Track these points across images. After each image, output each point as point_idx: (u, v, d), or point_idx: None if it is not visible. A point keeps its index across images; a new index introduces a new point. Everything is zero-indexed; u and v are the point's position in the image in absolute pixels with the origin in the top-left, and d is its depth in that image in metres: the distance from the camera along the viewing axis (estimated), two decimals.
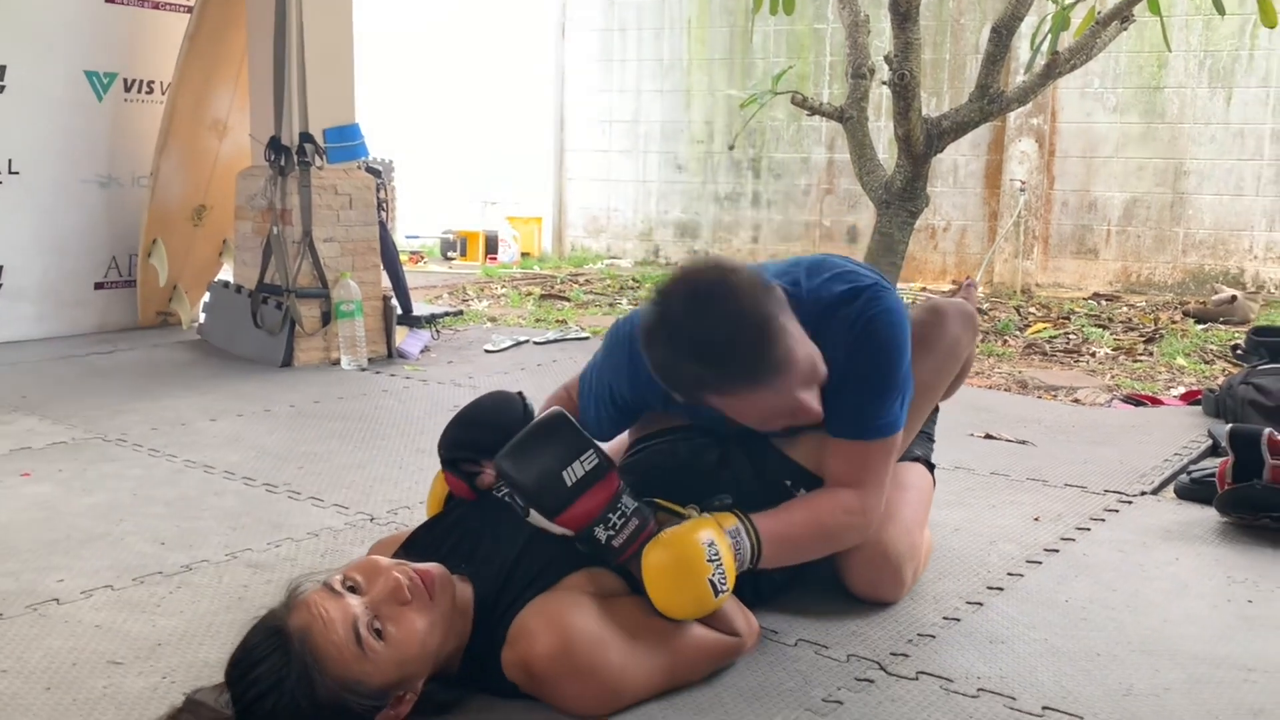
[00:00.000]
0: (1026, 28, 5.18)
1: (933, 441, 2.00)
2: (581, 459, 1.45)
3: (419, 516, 2.10)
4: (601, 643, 1.38)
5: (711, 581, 1.44)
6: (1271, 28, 4.11)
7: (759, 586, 1.69)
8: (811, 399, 1.53)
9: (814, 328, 1.58)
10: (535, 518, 1.48)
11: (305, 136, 3.81)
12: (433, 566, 1.39)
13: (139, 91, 4.35)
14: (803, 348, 1.51)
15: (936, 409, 2.02)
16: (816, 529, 1.62)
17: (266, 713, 1.25)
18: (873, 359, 1.62)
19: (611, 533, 1.45)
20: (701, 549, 1.44)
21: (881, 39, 5.48)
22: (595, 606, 1.42)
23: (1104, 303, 5.95)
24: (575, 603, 1.41)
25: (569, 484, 1.43)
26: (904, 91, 4.36)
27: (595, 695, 1.39)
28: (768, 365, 1.46)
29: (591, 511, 1.44)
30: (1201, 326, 5.12)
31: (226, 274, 4.44)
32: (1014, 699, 1.48)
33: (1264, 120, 5.94)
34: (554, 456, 1.45)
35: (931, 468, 1.95)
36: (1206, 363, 4.30)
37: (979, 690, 1.51)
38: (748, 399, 1.50)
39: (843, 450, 1.65)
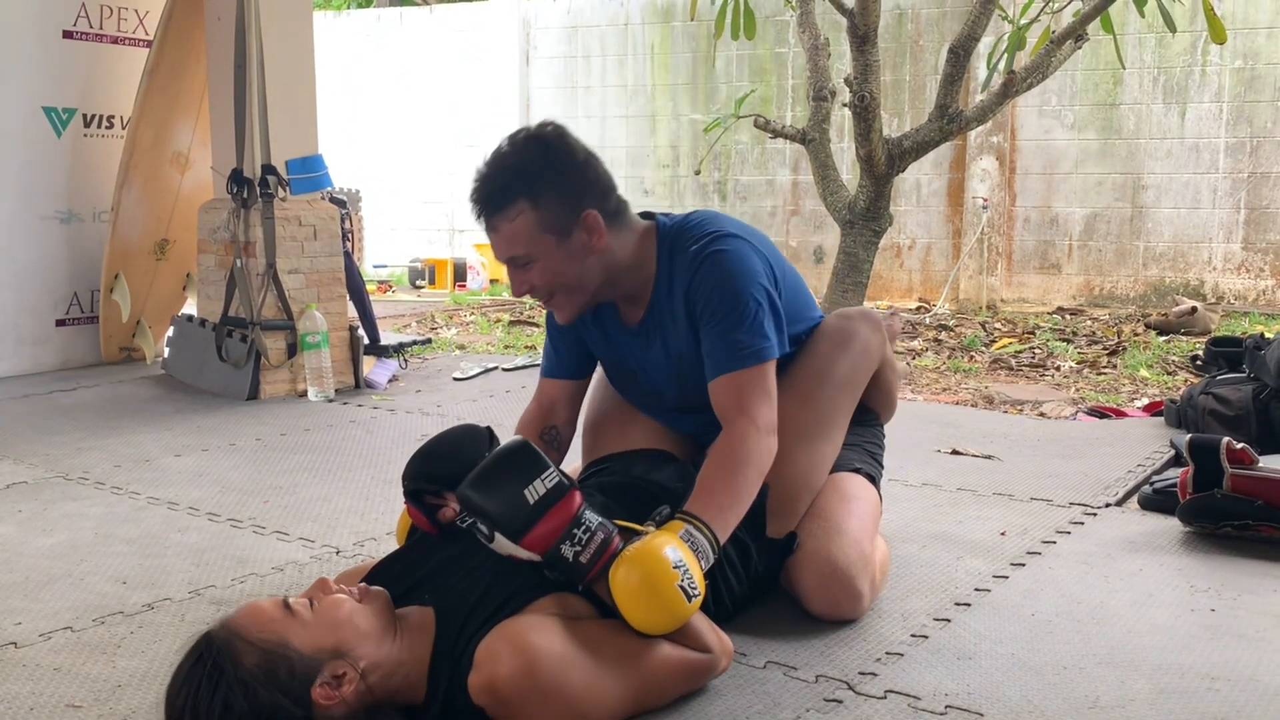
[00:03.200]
0: (983, 48, 5.26)
1: (879, 462, 2.02)
2: (542, 478, 1.46)
3: (386, 548, 2.08)
4: (567, 663, 1.37)
5: (682, 588, 1.44)
6: (1221, 44, 4.21)
7: (721, 601, 1.69)
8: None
9: (668, 261, 1.79)
10: (500, 544, 1.47)
11: (268, 168, 3.80)
12: (361, 585, 1.43)
13: (99, 126, 4.33)
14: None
15: (881, 428, 2.05)
16: (739, 477, 1.64)
17: (202, 712, 1.25)
18: (719, 290, 1.73)
19: (578, 548, 1.45)
20: (666, 558, 1.45)
21: (842, 61, 5.54)
22: (561, 628, 1.41)
23: (1068, 317, 6.02)
24: (540, 625, 1.40)
25: (531, 502, 1.44)
26: (865, 113, 4.41)
27: (562, 717, 1.37)
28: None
29: (556, 530, 1.44)
30: (1163, 338, 5.19)
31: (190, 308, 4.40)
32: (982, 715, 1.48)
33: (1218, 134, 6.06)
34: (514, 479, 1.46)
35: (875, 482, 1.96)
36: (1169, 374, 4.36)
37: (947, 707, 1.51)
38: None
39: (720, 386, 1.74)
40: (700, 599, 1.47)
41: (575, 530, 1.45)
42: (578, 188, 1.72)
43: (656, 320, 1.83)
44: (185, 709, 1.27)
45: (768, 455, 1.69)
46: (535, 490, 1.45)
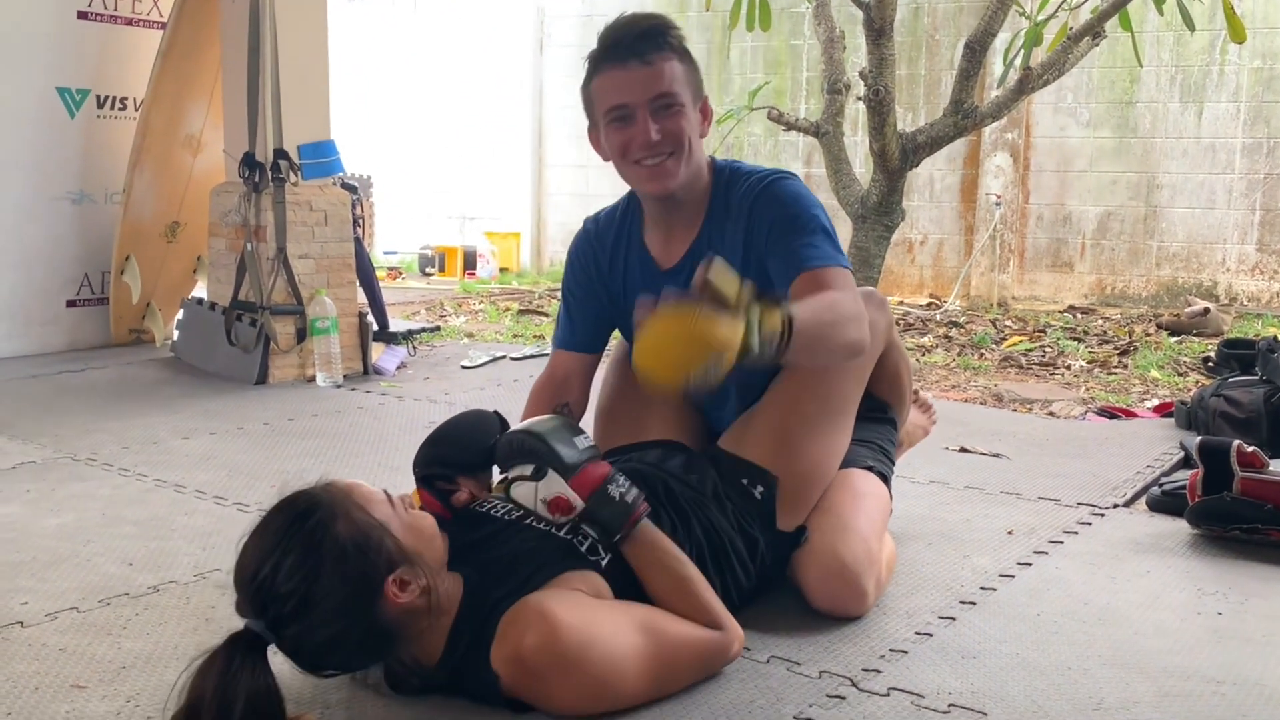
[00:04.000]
0: (1000, 43, 5.22)
1: (891, 460, 2.00)
2: (583, 436, 1.54)
3: None
4: (589, 636, 1.38)
5: (707, 367, 1.37)
6: (1240, 43, 4.17)
7: (729, 591, 1.68)
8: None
9: (724, 192, 1.79)
10: (547, 485, 1.49)
11: (280, 153, 3.80)
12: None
13: (112, 108, 4.33)
14: None
15: (894, 425, 2.03)
16: (827, 309, 1.60)
17: (270, 570, 1.30)
18: (782, 208, 1.75)
19: (623, 489, 1.50)
20: (711, 344, 1.37)
21: (857, 54, 5.51)
22: (584, 602, 1.43)
23: (1079, 316, 6.00)
24: (565, 598, 1.41)
25: (580, 448, 1.51)
26: (879, 107, 4.39)
27: (584, 689, 1.38)
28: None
29: (602, 475, 1.50)
30: (1175, 339, 5.16)
31: (200, 291, 4.41)
32: (985, 714, 1.48)
33: (1234, 134, 6.02)
34: (561, 432, 1.52)
35: (887, 480, 1.94)
36: (1180, 375, 4.33)
37: (950, 706, 1.50)
38: None
39: (801, 282, 1.70)
40: (708, 368, 1.38)
41: (618, 477, 1.52)
42: (699, 74, 1.79)
43: (699, 253, 1.78)
44: (268, 559, 1.31)
45: (855, 306, 1.67)
46: (582, 440, 1.52)
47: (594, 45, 1.81)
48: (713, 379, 1.39)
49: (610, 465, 1.55)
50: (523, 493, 1.53)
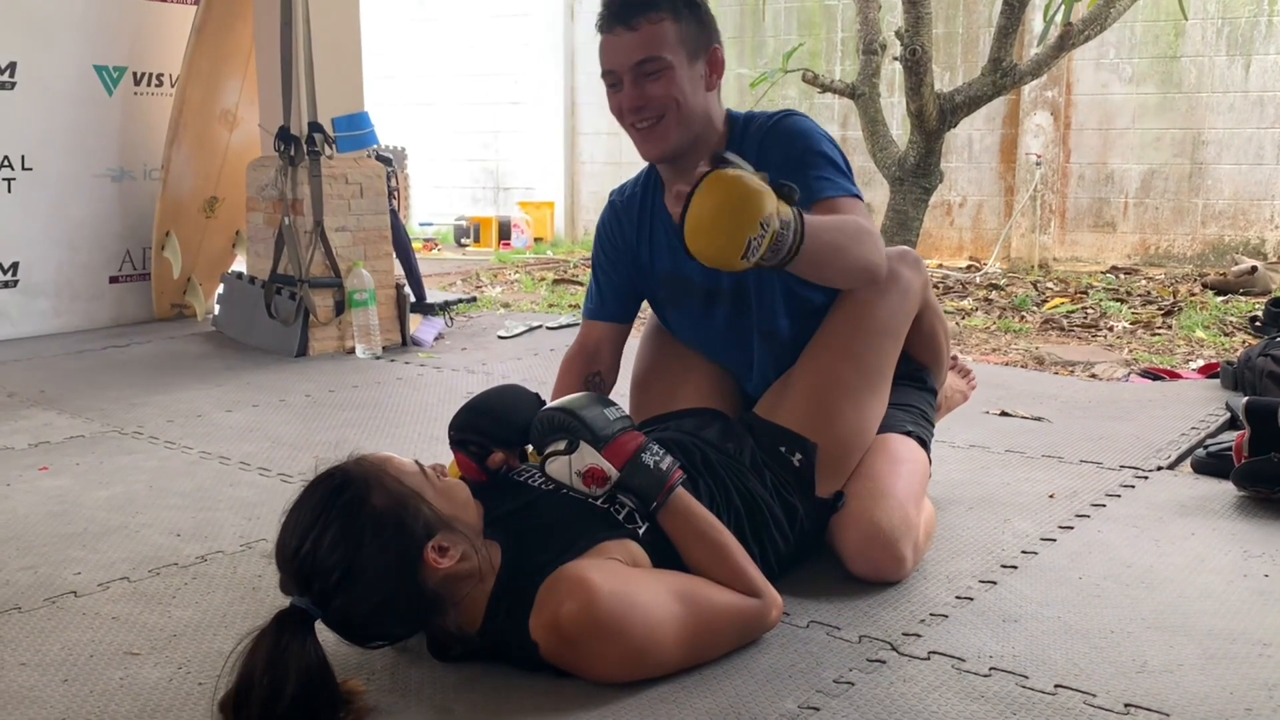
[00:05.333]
0: None
1: (929, 422, 1.98)
2: (615, 408, 1.56)
3: None
4: (627, 604, 1.39)
5: (749, 243, 1.38)
6: None
7: (767, 558, 1.68)
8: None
9: (738, 142, 1.79)
10: (581, 457, 1.50)
11: (314, 126, 3.81)
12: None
13: (148, 84, 4.37)
14: None
15: (933, 390, 2.01)
16: (848, 229, 1.62)
17: (311, 546, 1.32)
18: (790, 143, 1.76)
19: (657, 458, 1.52)
20: (760, 207, 1.38)
21: (893, 14, 5.42)
22: (622, 570, 1.44)
23: (1122, 276, 5.90)
24: (602, 567, 1.42)
25: (613, 419, 1.52)
26: (916, 67, 4.33)
27: (623, 656, 1.39)
28: None
29: (635, 445, 1.52)
30: (1221, 298, 5.07)
31: (240, 265, 4.46)
32: (1026, 677, 1.47)
33: None
34: (592, 406, 1.54)
35: (925, 445, 1.93)
36: (1226, 335, 4.26)
37: (991, 669, 1.50)
38: None
39: (819, 208, 1.68)
40: (750, 265, 1.41)
41: (651, 446, 1.53)
42: (710, 21, 1.78)
43: None
44: (308, 535, 1.34)
45: (872, 231, 1.68)
46: (614, 411, 1.54)
47: None
48: (764, 249, 1.40)
49: (644, 435, 1.56)
50: (557, 468, 1.53)
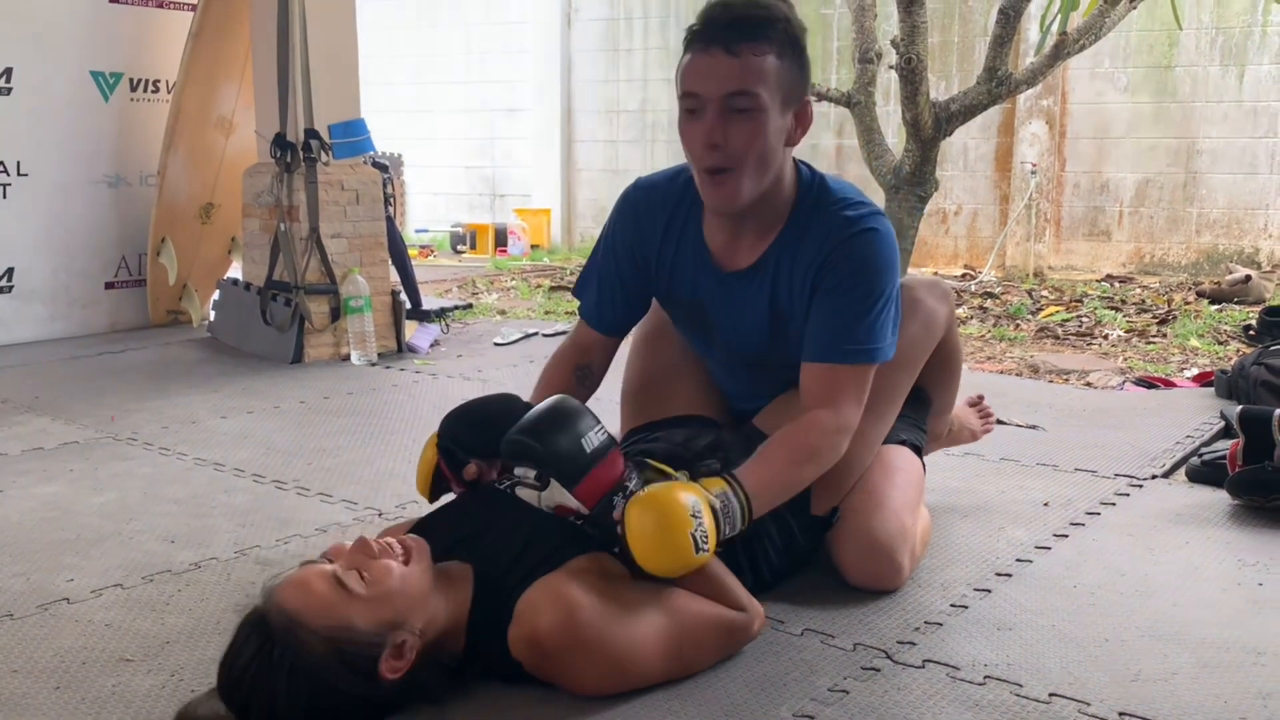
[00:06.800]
0: (1035, 8, 5.14)
1: (922, 430, 1.98)
2: (595, 429, 1.46)
3: (426, 511, 2.10)
4: (606, 616, 1.38)
5: (693, 537, 1.41)
6: None
7: (758, 573, 1.68)
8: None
9: (808, 211, 1.66)
10: (550, 493, 1.47)
11: (311, 133, 3.81)
12: (402, 537, 1.42)
13: (145, 90, 4.36)
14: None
15: (928, 402, 2.00)
16: (797, 462, 1.61)
17: (262, 705, 1.26)
18: (856, 272, 1.63)
19: (628, 499, 1.45)
20: (682, 504, 1.42)
21: (889, 23, 5.44)
22: (600, 583, 1.42)
23: (1117, 285, 5.91)
24: (580, 579, 1.41)
25: (587, 451, 1.44)
26: (911, 76, 4.33)
27: (603, 669, 1.39)
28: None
29: (610, 481, 1.45)
30: (1215, 307, 5.08)
31: (236, 271, 4.45)
32: (1020, 686, 1.47)
33: (1276, 97, 5.88)
34: (568, 427, 1.45)
35: (920, 453, 1.93)
36: (1220, 343, 4.27)
37: (986, 678, 1.50)
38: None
39: (814, 372, 1.66)
40: (709, 554, 1.44)
41: (627, 484, 1.46)
42: (808, 71, 1.62)
43: (770, 269, 1.69)
44: (254, 696, 1.27)
45: (836, 455, 1.65)
46: (590, 439, 1.45)
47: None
48: (712, 532, 1.43)
49: (623, 463, 1.48)
50: (528, 496, 1.51)
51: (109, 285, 4.40)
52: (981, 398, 2.31)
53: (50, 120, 4.12)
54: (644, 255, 1.81)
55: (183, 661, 1.59)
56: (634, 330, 1.98)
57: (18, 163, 4.07)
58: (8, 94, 4.00)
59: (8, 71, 3.99)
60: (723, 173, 1.59)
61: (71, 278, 4.28)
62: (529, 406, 1.57)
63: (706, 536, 1.43)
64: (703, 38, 1.57)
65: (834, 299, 1.64)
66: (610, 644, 1.37)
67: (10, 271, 4.12)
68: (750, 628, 1.54)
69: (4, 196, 4.05)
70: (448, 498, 1.72)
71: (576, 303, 1.94)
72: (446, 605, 1.40)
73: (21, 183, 4.09)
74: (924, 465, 1.95)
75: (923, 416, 1.99)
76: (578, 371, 1.86)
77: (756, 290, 1.72)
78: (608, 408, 1.98)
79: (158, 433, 2.89)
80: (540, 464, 1.45)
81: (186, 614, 1.75)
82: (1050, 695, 1.45)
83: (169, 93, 4.34)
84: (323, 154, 3.84)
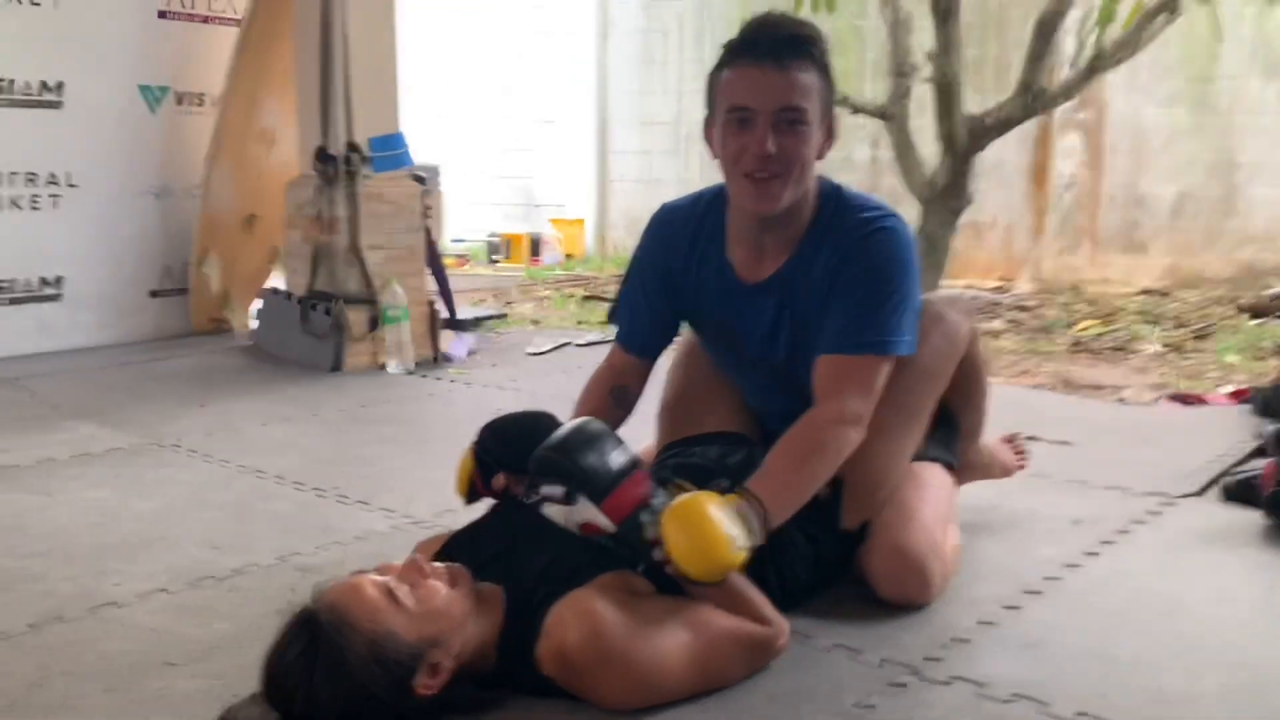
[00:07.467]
0: (1072, 22, 5.11)
1: (953, 450, 1.99)
2: (620, 449, 1.51)
3: (463, 519, 2.14)
4: (633, 632, 1.41)
5: (729, 535, 1.45)
6: None
7: (786, 587, 1.70)
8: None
9: (827, 219, 1.73)
10: (577, 510, 1.50)
11: (351, 146, 3.88)
12: (448, 564, 1.47)
13: (190, 104, 4.46)
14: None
15: (956, 424, 2.01)
16: (803, 459, 1.63)
17: (304, 699, 1.31)
18: (870, 267, 1.69)
19: (655, 517, 1.48)
20: (712, 508, 1.46)
21: (924, 35, 5.44)
22: (626, 600, 1.45)
23: (1154, 299, 5.86)
24: (607, 596, 1.44)
25: (613, 469, 1.48)
26: (946, 89, 4.34)
27: (631, 684, 1.41)
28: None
29: (636, 498, 1.48)
30: (1255, 322, 5.02)
31: (277, 281, 4.53)
32: (1047, 704, 1.48)
33: None
34: (595, 446, 1.49)
35: (952, 469, 1.94)
36: (1259, 360, 4.22)
37: (1012, 695, 1.51)
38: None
39: (824, 364, 1.69)
40: (745, 554, 1.47)
41: (654, 502, 1.49)
42: (834, 91, 1.72)
43: (789, 278, 1.75)
44: (298, 690, 1.32)
45: (845, 446, 1.65)
46: (615, 458, 1.49)
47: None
48: (740, 533, 1.47)
49: (648, 485, 1.51)
50: (554, 513, 1.54)
51: (154, 293, 4.49)
52: (1017, 434, 2.32)
53: (100, 133, 4.22)
54: (671, 276, 1.86)
55: (226, 666, 1.63)
56: (674, 346, 2.02)
57: (68, 174, 4.18)
58: (59, 107, 4.11)
59: (59, 85, 4.10)
60: (767, 178, 1.67)
61: (119, 286, 4.38)
62: (560, 425, 1.61)
63: (738, 537, 1.47)
64: (752, 52, 1.65)
65: (848, 294, 1.69)
66: (636, 659, 1.40)
67: (60, 280, 4.23)
68: (775, 643, 1.56)
69: (55, 207, 4.16)
70: (483, 504, 1.76)
71: (608, 310, 1.99)
72: (481, 628, 1.45)
73: (72, 194, 4.19)
74: (956, 483, 1.96)
75: (953, 437, 2.00)
76: (615, 393, 1.90)
77: (777, 300, 1.78)
78: (644, 421, 2.02)
79: (201, 439, 2.95)
80: (568, 479, 1.49)
81: (229, 619, 1.80)
82: (1077, 714, 1.46)
83: (214, 106, 4.43)
84: (363, 167, 3.91)
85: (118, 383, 3.72)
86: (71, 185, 4.19)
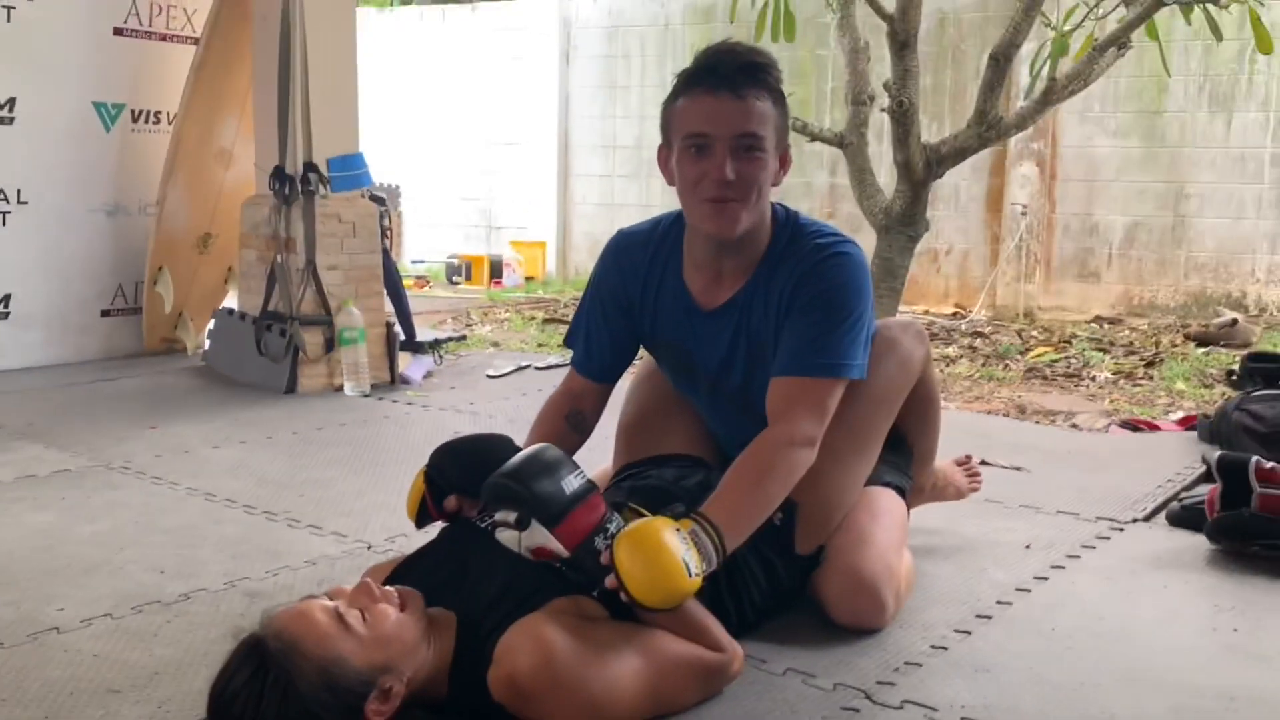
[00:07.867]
0: (1026, 54, 5.22)
1: (908, 474, 2.01)
2: (574, 474, 1.50)
3: (416, 544, 2.12)
4: (584, 658, 1.40)
5: (683, 561, 1.45)
6: (1268, 54, 4.14)
7: (741, 611, 1.71)
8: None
9: (783, 245, 1.76)
10: (530, 535, 1.50)
11: (309, 166, 3.86)
12: (399, 588, 1.45)
13: (146, 122, 4.41)
14: None
15: (910, 449, 2.03)
16: (755, 483, 1.63)
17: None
18: (824, 291, 1.71)
19: (609, 542, 1.47)
20: (666, 535, 1.46)
21: (882, 65, 5.52)
22: (578, 625, 1.44)
23: (1106, 326, 5.97)
24: (558, 621, 1.43)
25: (567, 493, 1.47)
26: (903, 118, 4.40)
27: (582, 711, 1.40)
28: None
29: (588, 525, 1.47)
30: (1202, 350, 5.13)
31: (231, 301, 4.48)
32: None
33: (1263, 144, 5.97)
34: (549, 471, 1.48)
35: (904, 494, 1.96)
36: (1206, 387, 4.31)
37: (963, 719, 1.52)
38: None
39: (777, 387, 1.70)
40: (699, 580, 1.47)
41: (608, 526, 1.48)
42: (788, 120, 1.76)
43: (745, 302, 1.78)
44: (245, 717, 1.29)
45: (797, 467, 1.66)
46: (570, 483, 1.48)
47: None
48: (696, 557, 1.47)
49: (603, 509, 1.50)
50: (508, 538, 1.54)
51: (105, 313, 4.42)
52: (969, 457, 2.34)
53: (51, 149, 4.16)
54: (628, 301, 1.88)
55: (170, 693, 1.60)
56: (633, 368, 2.02)
57: (18, 191, 4.11)
58: (10, 123, 4.05)
59: (11, 101, 4.03)
60: (728, 204, 1.69)
61: (68, 305, 4.31)
62: (517, 449, 1.60)
63: (694, 565, 1.46)
64: (709, 81, 1.67)
65: (802, 317, 1.71)
66: (588, 685, 1.39)
67: (8, 298, 4.15)
68: (729, 668, 1.56)
69: (3, 224, 4.09)
70: (434, 528, 1.74)
71: (565, 336, 1.99)
72: (432, 654, 1.43)
73: (21, 210, 4.12)
74: (908, 509, 1.97)
75: (906, 461, 2.02)
76: (570, 418, 1.91)
77: (734, 324, 1.80)
78: (602, 443, 2.02)
79: (150, 462, 2.90)
80: (521, 505, 1.48)
81: (175, 645, 1.77)
82: None
83: (170, 124, 4.39)
84: (321, 187, 3.89)
85: (66, 403, 3.66)
86: (21, 202, 4.12)
